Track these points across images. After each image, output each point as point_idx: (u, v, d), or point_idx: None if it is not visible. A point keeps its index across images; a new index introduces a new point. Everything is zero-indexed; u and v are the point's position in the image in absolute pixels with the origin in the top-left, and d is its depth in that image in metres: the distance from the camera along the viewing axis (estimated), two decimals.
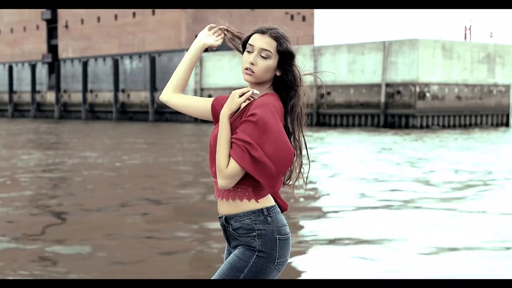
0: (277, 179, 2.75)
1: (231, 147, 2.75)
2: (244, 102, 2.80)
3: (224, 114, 2.78)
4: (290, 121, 2.86)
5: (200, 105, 3.04)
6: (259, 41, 2.81)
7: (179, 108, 3.05)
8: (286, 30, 2.86)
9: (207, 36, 3.01)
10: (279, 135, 2.71)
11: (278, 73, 2.84)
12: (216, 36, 3.01)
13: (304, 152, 2.93)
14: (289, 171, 2.90)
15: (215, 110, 3.00)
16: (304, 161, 2.95)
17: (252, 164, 2.70)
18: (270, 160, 2.69)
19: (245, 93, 2.79)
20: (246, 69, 2.81)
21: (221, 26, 3.00)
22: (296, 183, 2.95)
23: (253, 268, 2.79)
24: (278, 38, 2.80)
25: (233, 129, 2.78)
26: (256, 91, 2.80)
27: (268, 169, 2.70)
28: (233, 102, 2.78)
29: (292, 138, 2.88)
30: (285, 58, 2.81)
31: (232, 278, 2.80)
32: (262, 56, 2.80)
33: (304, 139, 2.91)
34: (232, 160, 2.72)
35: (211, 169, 2.90)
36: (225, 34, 3.01)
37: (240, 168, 2.71)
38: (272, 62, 2.80)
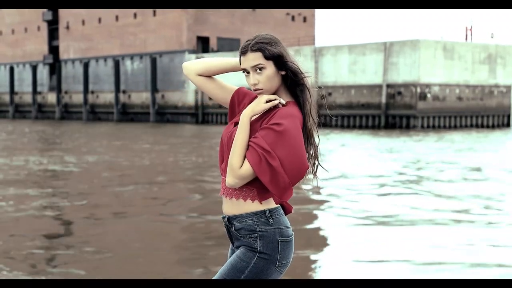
0: (288, 190, 2.77)
1: (247, 148, 2.75)
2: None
3: (246, 115, 2.79)
4: (306, 122, 2.87)
5: (221, 92, 3.05)
6: (246, 62, 2.83)
7: (198, 86, 3.06)
8: (268, 34, 2.86)
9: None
10: (299, 148, 2.73)
11: (283, 73, 2.84)
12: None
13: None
14: None
15: (233, 103, 3.02)
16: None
17: (267, 173, 2.71)
18: (285, 171, 2.71)
19: (272, 100, 2.81)
20: (255, 90, 2.85)
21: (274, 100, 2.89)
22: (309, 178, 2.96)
23: (254, 269, 2.79)
24: (260, 48, 2.80)
25: (250, 131, 2.80)
26: (282, 101, 2.82)
27: (281, 180, 2.72)
28: (259, 105, 2.80)
29: (307, 139, 2.88)
30: (277, 60, 2.81)
31: (233, 278, 2.81)
32: (258, 71, 2.81)
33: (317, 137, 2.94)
34: (246, 162, 2.73)
35: (220, 166, 2.92)
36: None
37: (253, 171, 2.73)
38: (270, 69, 2.81)
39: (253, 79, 2.82)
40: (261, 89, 2.83)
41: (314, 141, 2.92)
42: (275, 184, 2.72)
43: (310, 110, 2.87)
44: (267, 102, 2.81)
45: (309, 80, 2.90)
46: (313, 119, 2.89)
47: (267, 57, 2.80)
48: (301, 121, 2.81)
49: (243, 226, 2.83)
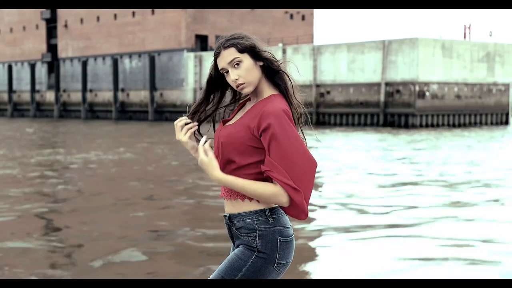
0: (304, 211, 2.76)
1: (256, 177, 2.75)
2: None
3: (217, 176, 2.74)
4: (292, 107, 2.84)
5: None
6: (223, 61, 2.81)
7: None
8: (236, 32, 2.86)
9: (178, 135, 2.92)
10: (302, 148, 2.72)
11: (261, 64, 2.83)
12: (184, 133, 2.91)
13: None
14: None
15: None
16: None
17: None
18: (301, 178, 2.71)
19: (188, 127, 2.85)
20: (237, 86, 2.81)
21: (186, 124, 2.91)
22: None
23: (251, 268, 2.78)
24: (232, 44, 2.80)
25: (241, 128, 2.77)
26: (204, 140, 2.79)
27: (300, 208, 2.74)
28: (205, 162, 2.75)
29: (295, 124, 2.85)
30: (251, 51, 2.80)
31: (230, 276, 2.79)
32: (236, 66, 2.79)
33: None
34: (278, 186, 2.72)
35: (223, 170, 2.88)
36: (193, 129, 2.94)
37: (290, 187, 2.71)
38: (247, 61, 2.79)
39: (233, 75, 2.80)
40: (243, 83, 2.80)
41: (301, 125, 2.89)
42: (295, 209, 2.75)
43: (293, 94, 2.84)
44: (183, 130, 2.84)
45: (286, 66, 2.88)
46: (298, 102, 2.86)
47: (240, 50, 2.78)
48: (289, 113, 2.76)
49: (244, 225, 2.81)
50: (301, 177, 2.71)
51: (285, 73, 2.85)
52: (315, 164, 2.75)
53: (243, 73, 2.79)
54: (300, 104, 2.87)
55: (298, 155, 2.70)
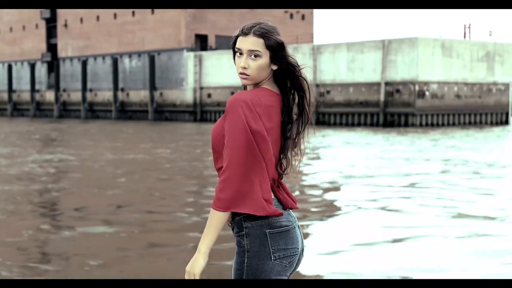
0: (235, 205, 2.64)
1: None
2: None
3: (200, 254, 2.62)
4: (295, 116, 2.74)
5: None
6: (245, 43, 2.70)
7: None
8: (271, 22, 2.76)
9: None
10: (240, 144, 2.60)
11: (274, 67, 2.73)
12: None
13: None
14: (285, 160, 2.75)
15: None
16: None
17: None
18: (228, 177, 2.61)
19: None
20: (241, 73, 2.73)
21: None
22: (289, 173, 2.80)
23: (249, 271, 2.66)
24: (264, 34, 2.69)
25: (221, 121, 2.71)
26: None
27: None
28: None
29: (299, 133, 2.76)
30: (277, 51, 2.71)
31: None
32: (253, 58, 2.70)
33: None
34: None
35: (215, 165, 2.79)
36: None
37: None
38: (264, 60, 2.70)
39: (245, 62, 2.70)
40: (248, 76, 2.71)
41: (304, 135, 2.79)
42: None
43: (309, 105, 2.75)
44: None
45: (305, 72, 2.79)
46: (310, 114, 2.76)
47: (267, 47, 2.69)
48: (248, 104, 2.62)
49: (235, 223, 2.71)
50: (234, 168, 2.58)
51: (305, 80, 2.76)
52: (258, 159, 2.61)
53: (254, 67, 2.70)
54: (310, 117, 2.77)
55: (235, 148, 2.59)
